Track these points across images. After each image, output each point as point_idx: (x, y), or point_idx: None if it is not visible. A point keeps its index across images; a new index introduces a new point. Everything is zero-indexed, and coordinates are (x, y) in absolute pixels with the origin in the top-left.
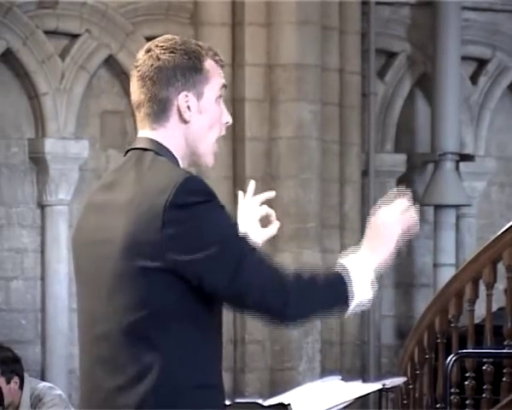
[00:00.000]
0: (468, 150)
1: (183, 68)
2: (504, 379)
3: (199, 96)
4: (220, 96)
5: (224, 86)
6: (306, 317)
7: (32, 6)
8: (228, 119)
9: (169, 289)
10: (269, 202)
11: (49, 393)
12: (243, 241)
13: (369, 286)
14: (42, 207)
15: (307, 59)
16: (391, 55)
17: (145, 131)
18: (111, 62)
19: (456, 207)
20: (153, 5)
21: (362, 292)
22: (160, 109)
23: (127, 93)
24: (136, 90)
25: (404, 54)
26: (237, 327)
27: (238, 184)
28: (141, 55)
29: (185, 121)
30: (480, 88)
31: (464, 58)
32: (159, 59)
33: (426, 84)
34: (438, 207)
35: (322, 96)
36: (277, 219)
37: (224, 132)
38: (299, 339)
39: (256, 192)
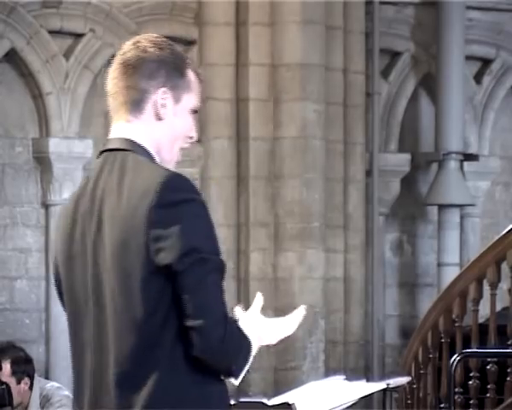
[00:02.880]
0: (472, 150)
1: (168, 67)
2: (508, 379)
3: (177, 99)
4: (195, 111)
5: (198, 106)
6: (232, 358)
7: (36, 5)
8: (194, 134)
9: (164, 290)
10: (273, 202)
11: (57, 393)
12: (215, 254)
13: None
14: (46, 206)
15: (311, 58)
16: (395, 55)
17: (120, 124)
18: None
19: (461, 206)
20: (157, 5)
21: (245, 364)
22: (136, 99)
23: None
24: (116, 77)
25: (408, 53)
26: None
27: (242, 183)
28: (127, 46)
29: (159, 118)
30: (484, 88)
31: (468, 58)
32: (145, 51)
33: (430, 83)
34: (442, 207)
35: (326, 95)
36: (281, 218)
37: (186, 145)
38: (304, 339)
39: (260, 191)
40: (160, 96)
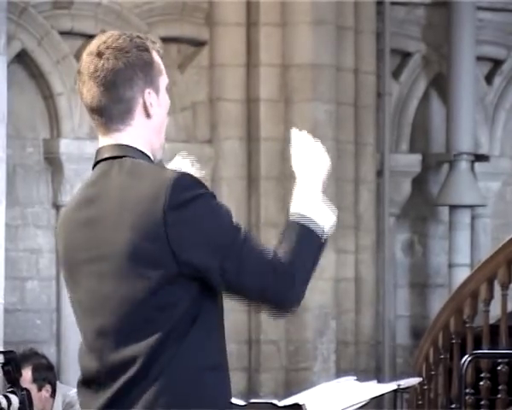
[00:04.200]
0: (483, 150)
1: (141, 66)
2: None
3: (157, 89)
4: (167, 84)
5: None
6: (308, 281)
7: (47, 6)
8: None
9: (180, 290)
10: (284, 202)
11: None
12: (240, 228)
13: (326, 209)
14: (57, 207)
15: (322, 59)
16: (406, 55)
17: (109, 136)
18: None
19: (471, 207)
20: (168, 5)
21: (326, 220)
22: (125, 109)
23: None
24: (97, 96)
25: (418, 54)
26: (252, 328)
27: (253, 183)
28: (92, 58)
29: (149, 117)
30: (495, 88)
31: (479, 58)
32: (117, 60)
33: (441, 84)
34: (453, 208)
35: (337, 96)
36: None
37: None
38: (314, 339)
39: (271, 192)
40: (146, 98)
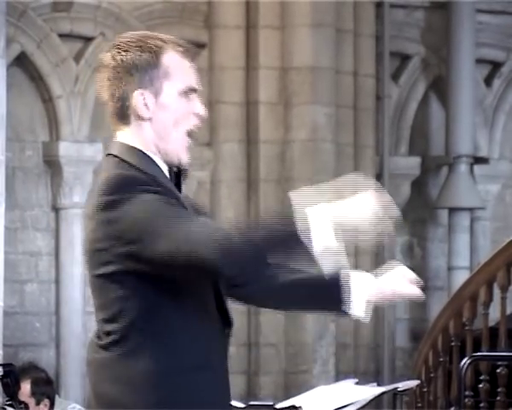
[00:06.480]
0: (483, 153)
1: (138, 66)
2: None
3: (157, 92)
4: (188, 89)
5: (195, 79)
6: (239, 255)
7: (46, 9)
8: (200, 110)
9: (130, 287)
10: (282, 204)
11: None
12: (168, 212)
13: (327, 237)
14: (56, 210)
15: (321, 62)
16: (405, 58)
17: (118, 132)
18: None
19: (471, 210)
20: (167, 8)
21: (316, 235)
22: (119, 108)
23: None
24: (102, 91)
25: (418, 57)
26: (251, 330)
27: (252, 186)
28: (103, 56)
29: (143, 119)
30: (495, 91)
31: (478, 61)
32: (114, 59)
33: (440, 86)
34: (452, 210)
35: (336, 98)
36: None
37: (197, 124)
38: (314, 342)
39: (270, 195)
40: (136, 98)
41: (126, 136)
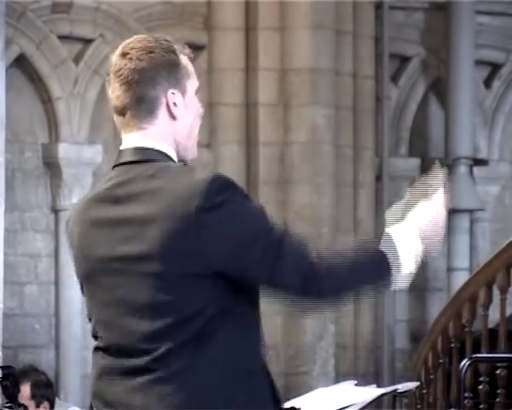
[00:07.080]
0: (482, 155)
1: (165, 67)
2: None
3: (183, 91)
4: (197, 89)
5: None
6: (342, 294)
7: (46, 11)
8: (201, 109)
9: (215, 291)
10: (283, 207)
11: None
12: (275, 227)
13: (413, 260)
14: (55, 211)
15: (321, 63)
16: (404, 60)
17: (132, 135)
18: None
19: (470, 211)
20: (166, 10)
21: (406, 265)
22: (148, 109)
23: None
24: (121, 95)
25: (417, 58)
26: None
27: (251, 188)
28: (117, 59)
29: (174, 118)
30: (494, 92)
31: (478, 62)
32: (140, 60)
33: (439, 88)
34: (451, 212)
35: (335, 100)
36: (291, 223)
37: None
38: (313, 344)
39: (270, 196)
40: (169, 98)
41: (148, 135)
